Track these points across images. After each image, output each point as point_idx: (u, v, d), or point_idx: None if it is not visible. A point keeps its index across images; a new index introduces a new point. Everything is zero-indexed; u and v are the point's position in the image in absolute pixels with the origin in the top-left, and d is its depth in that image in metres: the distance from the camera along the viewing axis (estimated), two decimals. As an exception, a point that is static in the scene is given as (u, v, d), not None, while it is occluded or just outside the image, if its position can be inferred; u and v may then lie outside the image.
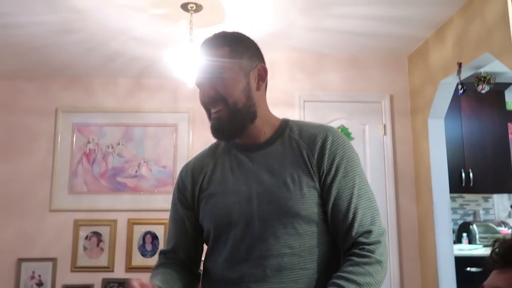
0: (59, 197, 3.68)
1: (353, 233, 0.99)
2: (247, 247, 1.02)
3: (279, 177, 1.03)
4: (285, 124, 1.13)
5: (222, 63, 1.05)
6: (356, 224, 1.00)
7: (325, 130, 1.08)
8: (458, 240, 3.86)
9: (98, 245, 3.64)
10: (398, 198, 3.22)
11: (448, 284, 2.88)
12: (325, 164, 1.03)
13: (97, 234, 3.65)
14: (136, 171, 3.75)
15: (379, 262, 0.97)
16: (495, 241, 0.73)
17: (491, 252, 0.73)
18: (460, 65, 2.55)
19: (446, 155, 3.05)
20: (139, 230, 3.67)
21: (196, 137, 3.71)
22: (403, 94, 3.35)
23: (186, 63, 2.51)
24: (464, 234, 3.82)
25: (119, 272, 3.58)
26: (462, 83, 2.56)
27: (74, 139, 3.78)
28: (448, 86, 2.81)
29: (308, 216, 1.01)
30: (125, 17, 2.71)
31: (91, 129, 3.80)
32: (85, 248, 3.62)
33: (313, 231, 1.01)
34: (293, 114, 3.25)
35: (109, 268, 3.59)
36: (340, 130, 1.14)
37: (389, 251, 1.07)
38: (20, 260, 3.57)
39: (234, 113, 1.04)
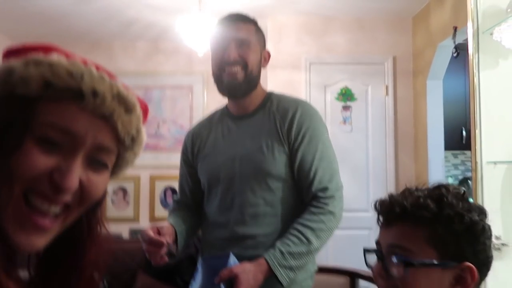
0: (86, 154, 4.04)
1: (313, 188, 1.25)
2: (231, 198, 1.29)
3: (257, 143, 1.28)
4: (268, 98, 1.36)
5: (250, 35, 1.29)
6: (316, 182, 1.25)
7: (296, 104, 1.32)
8: (457, 194, 4.08)
9: (124, 199, 4.03)
10: (398, 155, 3.42)
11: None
12: (293, 133, 1.27)
13: (122, 189, 4.03)
14: (156, 131, 4.05)
15: (331, 212, 1.23)
16: (375, 204, 0.81)
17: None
18: (455, 29, 2.66)
19: (449, 113, 3.20)
20: (160, 185, 4.02)
21: (211, 98, 3.93)
22: (406, 56, 3.46)
23: (196, 32, 2.71)
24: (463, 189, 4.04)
25: (144, 223, 3.97)
26: (456, 47, 2.69)
27: (98, 101, 4.07)
28: (446, 49, 2.93)
29: (278, 175, 1.26)
30: (139, -12, 2.89)
31: (112, 91, 4.07)
32: (112, 202, 4.01)
33: (282, 187, 1.27)
34: (299, 77, 3.43)
35: (134, 219, 3.99)
36: (311, 105, 1.37)
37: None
38: (56, 211, 4.00)
39: (248, 77, 1.29)
